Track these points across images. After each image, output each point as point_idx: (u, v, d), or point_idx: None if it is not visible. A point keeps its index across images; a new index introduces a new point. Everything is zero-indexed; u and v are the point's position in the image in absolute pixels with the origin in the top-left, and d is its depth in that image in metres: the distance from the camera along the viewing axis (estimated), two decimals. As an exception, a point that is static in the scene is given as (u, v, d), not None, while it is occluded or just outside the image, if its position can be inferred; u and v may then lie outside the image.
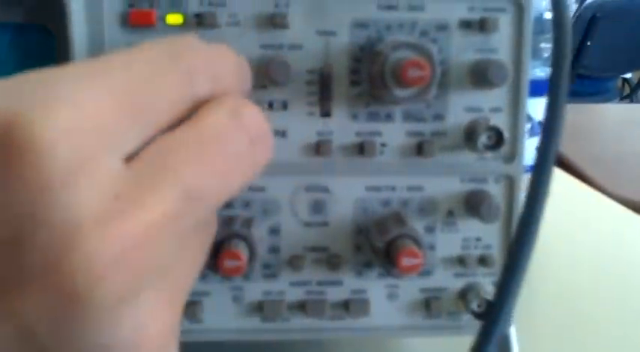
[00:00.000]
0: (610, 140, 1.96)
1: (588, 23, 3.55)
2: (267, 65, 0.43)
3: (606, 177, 1.47)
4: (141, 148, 0.30)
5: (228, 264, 0.41)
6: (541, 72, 0.84)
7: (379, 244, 0.43)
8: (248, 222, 0.44)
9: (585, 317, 0.68)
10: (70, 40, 0.43)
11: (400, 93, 0.42)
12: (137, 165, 0.29)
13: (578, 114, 2.05)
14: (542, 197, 0.36)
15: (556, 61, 0.37)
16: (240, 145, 0.34)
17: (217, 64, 0.36)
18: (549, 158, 0.37)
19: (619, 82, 4.18)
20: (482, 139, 0.44)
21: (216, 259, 0.42)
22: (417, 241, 0.43)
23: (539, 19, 0.82)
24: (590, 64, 3.70)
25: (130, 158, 0.29)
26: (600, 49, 3.69)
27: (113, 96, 0.29)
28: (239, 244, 0.42)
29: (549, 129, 0.36)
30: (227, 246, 0.42)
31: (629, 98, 3.98)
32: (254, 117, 0.35)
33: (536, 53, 0.84)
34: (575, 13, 3.53)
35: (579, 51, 3.54)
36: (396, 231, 0.43)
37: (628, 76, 4.12)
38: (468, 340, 0.37)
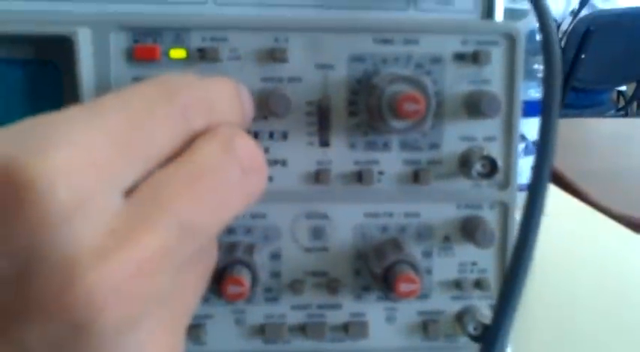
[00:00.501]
0: (604, 155, 1.98)
1: (582, 36, 3.58)
2: (267, 97, 0.45)
3: (601, 192, 1.48)
4: (140, 182, 0.32)
5: (231, 289, 0.42)
6: (535, 92, 0.86)
7: (377, 270, 0.45)
8: (250, 249, 0.46)
9: (580, 333, 0.69)
10: (77, 76, 0.45)
11: (397, 124, 0.44)
12: (134, 200, 0.31)
13: (571, 129, 2.07)
14: (537, 221, 0.38)
15: (547, 83, 0.39)
16: (233, 176, 0.35)
17: (213, 96, 0.38)
18: (543, 182, 0.39)
19: (614, 95, 4.21)
20: (477, 168, 0.46)
21: (219, 285, 0.43)
22: (414, 266, 0.44)
23: (532, 40, 0.84)
24: (584, 76, 3.72)
25: (129, 192, 0.31)
26: (595, 62, 3.71)
27: (109, 136, 0.30)
28: (242, 270, 0.44)
29: (542, 152, 0.38)
30: (230, 272, 0.43)
31: (624, 110, 4.00)
32: (247, 148, 0.37)
33: (530, 74, 0.86)
34: (569, 26, 3.56)
35: (573, 64, 3.56)
36: (393, 257, 0.45)
37: (623, 88, 4.14)
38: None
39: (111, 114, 0.31)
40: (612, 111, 4.03)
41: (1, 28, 0.45)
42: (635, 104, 4.02)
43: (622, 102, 4.27)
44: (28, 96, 0.48)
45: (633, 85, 3.90)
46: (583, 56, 3.68)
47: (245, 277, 0.43)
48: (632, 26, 3.66)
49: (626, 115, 4.02)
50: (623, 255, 0.94)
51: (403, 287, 0.43)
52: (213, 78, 0.39)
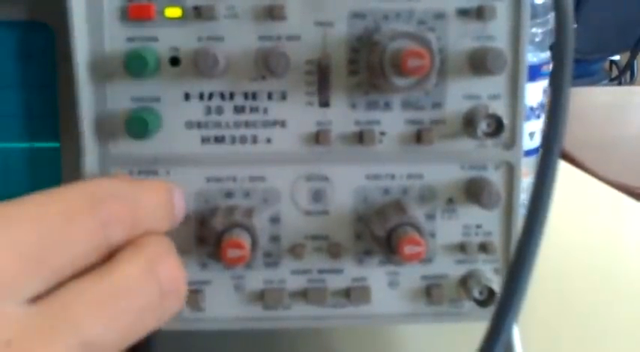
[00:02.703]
0: (599, 124, 1.97)
1: (574, 6, 3.55)
2: (265, 56, 0.43)
3: (596, 161, 1.47)
4: (52, 290, 0.30)
5: (231, 253, 0.41)
6: (533, 57, 0.84)
7: (380, 233, 0.43)
8: (249, 212, 0.44)
9: (581, 302, 0.68)
10: (70, 37, 0.43)
11: (400, 82, 0.42)
12: (40, 310, 0.29)
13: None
14: (549, 187, 0.36)
15: (559, 48, 0.38)
16: (150, 299, 0.34)
17: (141, 206, 0.36)
18: (555, 147, 0.37)
19: (606, 65, 4.19)
20: (482, 126, 0.44)
21: (218, 249, 0.42)
22: (418, 229, 0.43)
23: (530, 4, 0.82)
24: (576, 46, 3.69)
25: (38, 298, 0.30)
26: (586, 32, 3.68)
27: (16, 248, 0.29)
28: (241, 233, 0.43)
29: (554, 117, 0.37)
30: (229, 235, 0.42)
31: (617, 80, 3.99)
32: (169, 270, 0.36)
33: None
34: (561, -4, 3.52)
35: (566, 34, 3.53)
36: (396, 220, 0.43)
37: (616, 58, 4.12)
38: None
39: (22, 225, 0.30)
40: (605, 81, 4.01)
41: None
42: (628, 74, 4.01)
43: (615, 72, 4.25)
44: (20, 59, 0.46)
45: (627, 55, 3.88)
46: (575, 26, 3.66)
47: (245, 240, 0.42)
48: (623, -4, 3.63)
49: (619, 85, 4.00)
50: (624, 221, 0.93)
51: (408, 249, 0.42)
52: (145, 184, 0.39)
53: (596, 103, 2.23)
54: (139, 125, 0.43)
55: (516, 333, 0.44)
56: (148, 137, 0.43)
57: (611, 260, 0.79)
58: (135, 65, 0.43)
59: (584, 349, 0.60)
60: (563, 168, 1.07)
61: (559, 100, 0.37)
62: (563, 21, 0.38)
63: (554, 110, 0.37)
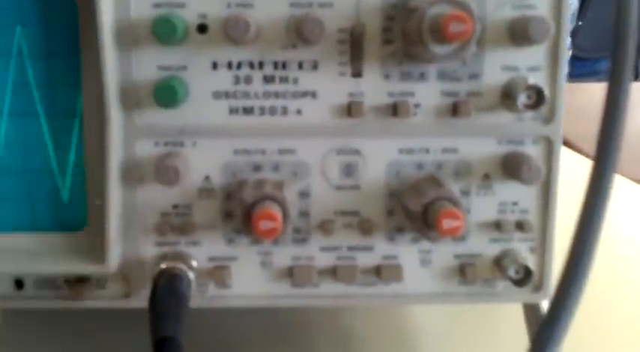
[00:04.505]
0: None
1: (580, 4, 3.54)
2: (298, 23, 0.42)
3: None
4: None
5: (263, 225, 0.40)
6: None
7: (416, 207, 0.42)
8: (279, 185, 0.43)
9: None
10: (95, 2, 0.42)
11: (439, 49, 0.41)
12: None
13: (572, 94, 2.04)
14: (608, 181, 0.35)
15: (618, 41, 0.36)
16: None
17: None
18: (613, 149, 0.35)
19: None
20: (522, 99, 0.43)
21: (249, 221, 0.40)
22: (456, 203, 0.41)
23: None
24: (582, 45, 3.68)
25: None
26: (592, 30, 3.67)
27: None
28: (272, 206, 0.41)
29: (613, 112, 0.35)
30: (260, 207, 0.40)
31: (621, 79, 3.96)
32: None
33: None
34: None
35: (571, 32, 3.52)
36: (433, 194, 0.42)
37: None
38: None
39: None
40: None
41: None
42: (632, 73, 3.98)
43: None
44: (42, 27, 0.45)
45: (631, 53, 3.85)
46: (580, 23, 3.65)
47: (277, 212, 0.40)
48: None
49: (623, 83, 3.97)
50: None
51: (446, 223, 0.40)
52: None
53: (601, 99, 2.21)
54: (168, 93, 0.41)
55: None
56: (176, 106, 0.41)
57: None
58: (163, 31, 0.41)
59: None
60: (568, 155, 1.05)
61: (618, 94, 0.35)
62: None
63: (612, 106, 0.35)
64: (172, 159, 0.42)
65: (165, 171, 0.41)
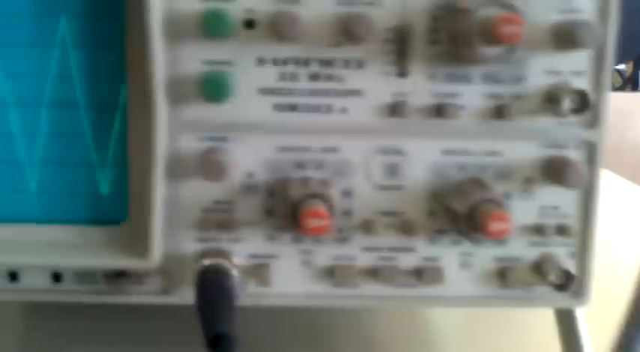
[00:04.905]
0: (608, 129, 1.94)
1: None
2: (346, 21, 0.42)
3: (606, 165, 1.45)
4: None
5: (312, 222, 0.40)
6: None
7: (461, 208, 0.42)
8: (325, 183, 0.43)
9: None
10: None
11: (487, 51, 0.41)
12: None
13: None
14: None
15: None
16: None
17: None
18: None
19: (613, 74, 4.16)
20: (566, 103, 0.43)
21: (296, 218, 0.40)
22: (501, 206, 0.41)
23: None
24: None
25: None
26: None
27: None
28: (319, 203, 0.41)
29: None
30: (307, 205, 0.40)
31: (622, 90, 3.97)
32: None
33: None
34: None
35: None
36: (479, 195, 0.42)
37: (621, 67, 4.10)
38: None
39: None
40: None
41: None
42: (630, 84, 3.99)
43: (619, 82, 4.24)
44: (88, 17, 0.45)
45: (631, 64, 3.86)
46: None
47: (325, 210, 0.40)
48: (629, 4, 3.62)
49: (622, 94, 3.98)
50: None
51: (494, 225, 0.40)
52: None
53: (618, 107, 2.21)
54: (217, 87, 0.41)
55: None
56: (223, 101, 0.41)
57: None
58: (212, 26, 0.41)
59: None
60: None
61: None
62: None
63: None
64: (217, 154, 0.42)
65: (210, 166, 0.41)
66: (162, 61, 0.42)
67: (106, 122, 0.46)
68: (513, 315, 0.56)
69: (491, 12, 0.40)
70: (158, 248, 0.43)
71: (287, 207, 0.41)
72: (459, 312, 0.58)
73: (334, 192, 0.42)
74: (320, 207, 0.39)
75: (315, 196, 0.41)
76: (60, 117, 0.46)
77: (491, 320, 0.57)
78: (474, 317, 0.57)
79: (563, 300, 0.46)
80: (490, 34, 0.39)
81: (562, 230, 0.45)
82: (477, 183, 0.43)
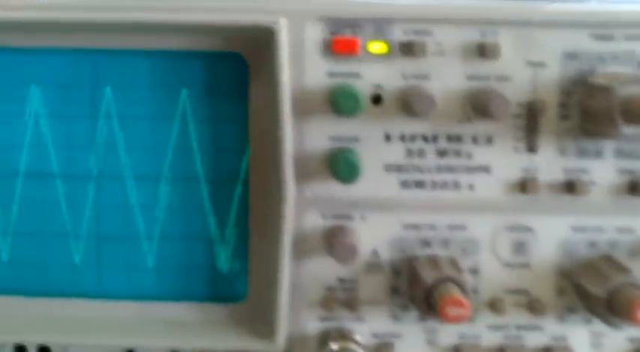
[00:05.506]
0: None
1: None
2: (479, 97, 0.41)
3: None
4: None
5: (452, 311, 0.38)
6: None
7: (598, 291, 0.40)
8: (455, 264, 0.42)
9: None
10: (275, 68, 0.41)
11: (628, 129, 0.39)
12: None
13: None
14: None
15: None
16: None
17: None
18: None
19: None
20: None
21: (431, 304, 0.39)
22: (641, 289, 0.39)
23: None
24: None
25: None
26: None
27: None
28: (454, 288, 0.40)
29: None
30: (445, 291, 0.39)
31: None
32: None
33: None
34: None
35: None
36: (619, 279, 0.40)
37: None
38: None
39: None
40: None
41: (188, 18, 0.41)
42: None
43: None
44: (212, 87, 0.44)
45: None
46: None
47: (463, 297, 0.39)
48: None
49: None
50: None
51: (640, 312, 0.38)
52: None
53: None
54: (349, 169, 0.40)
55: None
56: (354, 182, 0.40)
57: None
58: (343, 104, 0.40)
59: None
60: None
61: None
62: None
63: None
64: (346, 235, 0.41)
65: (341, 248, 0.40)
66: (291, 137, 0.41)
67: (226, 196, 0.45)
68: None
69: (633, 90, 0.38)
70: (284, 329, 0.42)
71: (419, 291, 0.40)
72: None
73: (466, 276, 0.41)
74: (460, 295, 0.38)
75: (449, 280, 0.39)
76: (179, 191, 0.45)
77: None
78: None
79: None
80: (634, 114, 0.38)
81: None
82: (613, 264, 0.41)
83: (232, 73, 0.44)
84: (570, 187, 0.43)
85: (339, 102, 0.40)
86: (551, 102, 0.42)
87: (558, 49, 0.42)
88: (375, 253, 0.43)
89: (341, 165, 0.40)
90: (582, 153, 0.43)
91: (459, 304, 0.38)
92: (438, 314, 0.39)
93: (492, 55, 0.42)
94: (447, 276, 0.40)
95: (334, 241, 0.41)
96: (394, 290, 0.43)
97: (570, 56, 0.42)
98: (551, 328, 0.44)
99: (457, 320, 0.38)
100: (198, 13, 0.41)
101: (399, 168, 0.43)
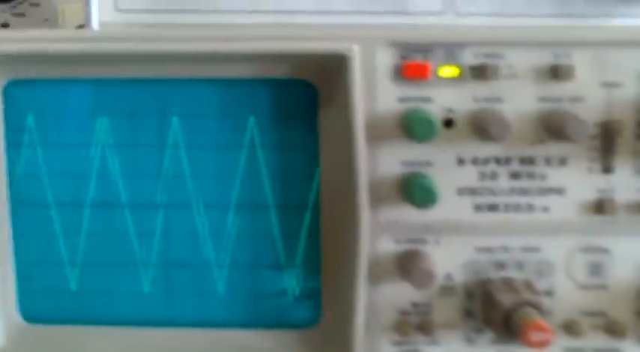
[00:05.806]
0: None
1: None
2: (552, 119, 0.40)
3: None
4: None
5: (535, 336, 0.38)
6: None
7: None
8: (531, 287, 0.41)
9: None
10: (349, 95, 0.41)
11: None
12: None
13: None
14: None
15: None
16: None
17: None
18: None
19: None
20: None
21: (509, 327, 0.39)
22: None
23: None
24: None
25: None
26: None
27: None
28: (533, 313, 0.39)
29: None
30: (526, 316, 0.39)
31: None
32: None
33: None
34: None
35: None
36: None
37: None
38: None
39: None
40: None
41: (261, 47, 0.41)
42: None
43: None
44: (281, 114, 0.44)
45: None
46: None
47: (544, 322, 0.38)
48: None
49: None
50: None
51: None
52: None
53: None
54: (426, 195, 0.40)
55: None
56: (431, 207, 0.40)
57: None
58: (419, 128, 0.40)
59: None
60: None
61: None
62: None
63: None
64: (422, 260, 0.41)
65: (419, 274, 0.40)
66: (366, 163, 0.41)
67: (295, 222, 0.45)
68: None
69: None
70: (360, 354, 0.42)
71: (497, 314, 0.39)
72: None
73: (543, 298, 0.40)
74: (542, 320, 0.38)
75: (526, 304, 0.39)
76: (248, 218, 0.45)
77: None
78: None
79: None
80: None
81: None
82: (695, 286, 0.40)
83: (301, 99, 0.44)
84: (648, 207, 0.42)
85: (414, 127, 0.40)
86: (627, 122, 0.42)
87: (633, 68, 0.42)
88: (448, 277, 0.43)
89: (416, 191, 0.40)
90: (659, 172, 0.42)
91: (542, 329, 0.38)
92: (518, 338, 0.38)
93: (566, 77, 0.41)
94: (525, 300, 0.40)
95: (411, 267, 0.41)
96: (468, 314, 0.43)
97: (646, 80, 0.42)
98: (631, 350, 0.44)
99: (540, 345, 0.38)
100: (270, 42, 0.41)
101: (472, 192, 0.42)
